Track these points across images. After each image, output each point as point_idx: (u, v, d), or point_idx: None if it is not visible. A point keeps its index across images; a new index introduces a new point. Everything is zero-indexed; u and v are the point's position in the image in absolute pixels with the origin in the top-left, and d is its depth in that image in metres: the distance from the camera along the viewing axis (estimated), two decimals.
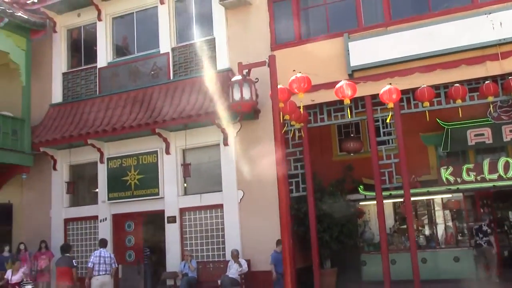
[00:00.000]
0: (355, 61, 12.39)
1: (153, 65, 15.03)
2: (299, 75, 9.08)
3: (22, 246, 14.46)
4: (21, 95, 15.47)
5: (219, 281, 12.46)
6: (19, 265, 12.29)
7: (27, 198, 16.16)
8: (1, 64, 15.81)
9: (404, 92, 11.26)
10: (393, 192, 13.17)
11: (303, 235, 12.91)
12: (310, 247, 12.55)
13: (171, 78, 14.56)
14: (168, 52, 14.78)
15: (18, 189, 16.08)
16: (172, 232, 14.01)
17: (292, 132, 12.44)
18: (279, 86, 8.88)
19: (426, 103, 11.16)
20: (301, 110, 10.29)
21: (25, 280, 11.95)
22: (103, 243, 12.30)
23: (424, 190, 13.87)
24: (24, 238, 15.19)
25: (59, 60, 16.27)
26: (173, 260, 13.85)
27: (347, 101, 9.55)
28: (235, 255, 12.48)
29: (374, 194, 12.44)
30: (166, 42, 14.88)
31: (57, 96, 16.07)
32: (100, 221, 14.83)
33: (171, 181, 14.15)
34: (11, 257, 14.30)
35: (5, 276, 12.36)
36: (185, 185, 14.32)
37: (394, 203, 14.98)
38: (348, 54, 12.44)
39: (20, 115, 15.26)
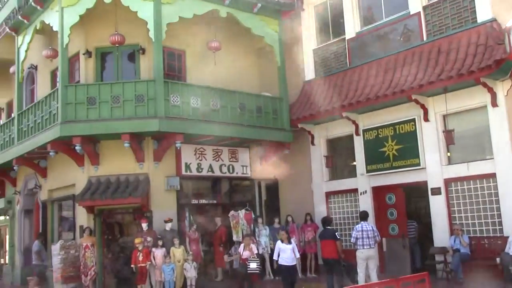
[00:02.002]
0: None
1: (403, 28, 14.09)
2: None
3: (289, 218, 15.26)
4: (277, 75, 16.26)
5: (497, 259, 11.09)
6: (249, 241, 12.17)
7: (290, 173, 16.97)
8: (257, 48, 16.85)
9: None
10: None
11: None
12: None
13: (425, 39, 13.44)
14: (419, 12, 13.66)
15: (281, 165, 17.03)
16: (437, 205, 13.03)
17: None
18: None
19: None
20: None
21: (251, 257, 11.80)
22: (363, 216, 12.04)
23: None
24: (290, 211, 16.02)
25: (309, 37, 16.57)
26: (440, 235, 12.90)
27: None
28: None
29: None
30: (416, 1, 13.79)
31: (309, 72, 16.42)
32: (360, 194, 14.70)
33: (432, 150, 13.14)
34: (281, 228, 15.25)
35: (238, 251, 12.54)
36: (449, 153, 13.13)
37: None
38: None
39: (278, 94, 16.06)
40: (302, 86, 16.44)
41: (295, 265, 11.72)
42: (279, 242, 11.70)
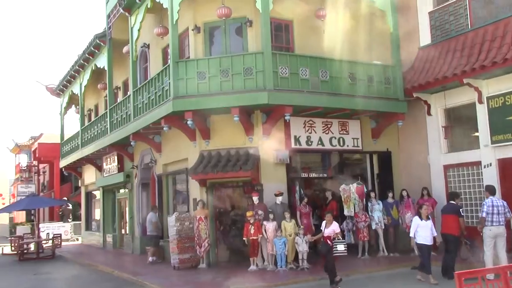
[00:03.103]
0: None
1: None
2: None
3: (404, 193, 14.52)
4: (389, 42, 15.38)
5: None
6: (330, 218, 10.95)
7: (404, 145, 16.19)
8: (368, 14, 15.98)
9: None
10: None
11: None
12: None
13: None
14: None
15: (394, 136, 16.26)
16: None
17: None
18: None
19: None
20: None
21: (337, 238, 10.63)
22: (493, 190, 11.01)
23: None
24: (404, 185, 15.27)
25: None
26: None
27: None
28: None
29: None
30: None
31: (425, 37, 15.31)
32: (484, 167, 13.54)
33: None
34: (395, 203, 14.60)
35: (321, 228, 11.38)
36: None
37: None
38: None
39: (390, 62, 15.19)
40: (417, 52, 15.38)
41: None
42: (417, 218, 10.95)
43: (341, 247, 10.57)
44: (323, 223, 11.13)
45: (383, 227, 14.39)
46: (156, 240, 16.49)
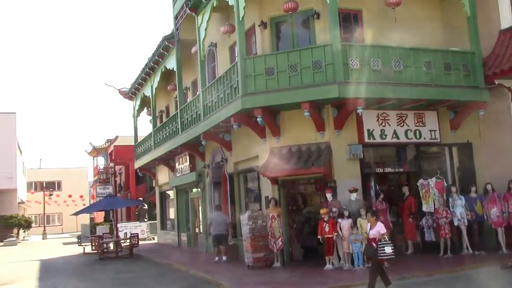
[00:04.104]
0: None
1: None
2: None
3: (489, 187, 13.62)
4: (466, 27, 14.48)
5: None
6: (372, 218, 9.96)
7: (486, 136, 15.20)
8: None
9: None
10: None
11: None
12: None
13: None
14: None
15: (475, 127, 15.31)
16: None
17: None
18: None
19: None
20: None
21: (383, 240, 9.60)
22: None
23: None
24: (488, 178, 14.31)
25: None
26: None
27: None
28: None
29: None
30: None
31: (506, 20, 14.29)
32: None
33: None
34: (479, 198, 13.73)
35: (365, 230, 10.61)
36: None
37: None
38: None
39: (468, 48, 14.30)
40: (498, 36, 14.37)
41: None
42: None
43: (388, 249, 9.57)
44: (368, 225, 10.25)
45: (466, 224, 13.56)
46: (225, 239, 16.52)
